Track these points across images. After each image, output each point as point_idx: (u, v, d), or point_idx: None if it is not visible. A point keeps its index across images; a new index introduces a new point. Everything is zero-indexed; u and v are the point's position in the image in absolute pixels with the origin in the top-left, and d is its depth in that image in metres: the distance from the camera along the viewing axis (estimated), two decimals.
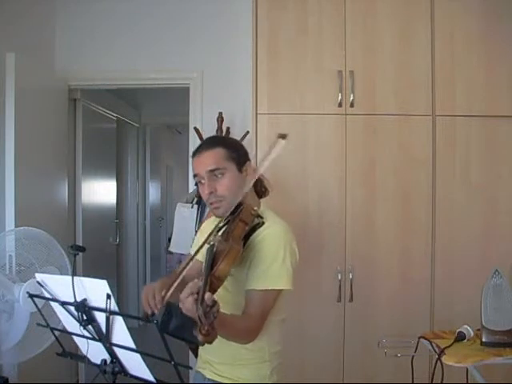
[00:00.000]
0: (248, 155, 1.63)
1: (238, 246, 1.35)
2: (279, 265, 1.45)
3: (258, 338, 1.47)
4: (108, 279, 1.26)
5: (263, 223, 1.48)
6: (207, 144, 1.61)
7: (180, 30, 3.27)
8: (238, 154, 1.57)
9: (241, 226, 1.41)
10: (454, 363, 1.80)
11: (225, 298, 1.47)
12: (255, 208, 1.49)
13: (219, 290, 1.41)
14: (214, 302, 1.13)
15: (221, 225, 1.48)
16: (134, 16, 3.31)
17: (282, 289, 1.46)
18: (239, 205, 1.48)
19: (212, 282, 1.23)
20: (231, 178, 1.52)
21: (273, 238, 1.48)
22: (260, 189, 1.65)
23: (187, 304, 1.18)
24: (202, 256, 1.49)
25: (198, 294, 1.17)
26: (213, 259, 1.30)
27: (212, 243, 1.38)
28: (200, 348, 1.64)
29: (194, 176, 1.58)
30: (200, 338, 1.09)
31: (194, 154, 1.59)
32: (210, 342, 1.11)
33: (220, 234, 1.42)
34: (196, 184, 2.89)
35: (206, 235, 1.52)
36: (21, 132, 2.66)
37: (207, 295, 1.13)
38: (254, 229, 1.47)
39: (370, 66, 2.64)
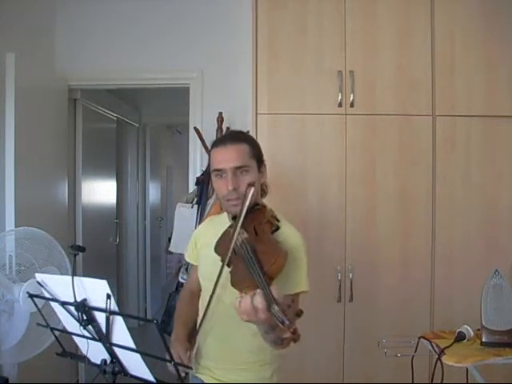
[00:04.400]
0: (263, 155, 1.60)
1: (275, 242, 1.34)
2: (304, 268, 1.48)
3: (259, 338, 1.47)
4: (108, 279, 1.26)
5: (279, 227, 1.48)
6: (232, 138, 1.55)
7: (180, 29, 3.27)
8: (259, 153, 1.56)
9: (269, 226, 1.41)
10: (454, 363, 1.80)
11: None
12: (273, 211, 1.50)
13: (228, 296, 1.39)
14: (293, 300, 1.11)
15: (230, 223, 1.46)
16: (134, 16, 3.31)
17: (307, 290, 1.49)
18: (255, 204, 1.48)
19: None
20: (254, 176, 1.49)
21: (298, 244, 1.48)
22: (262, 188, 1.65)
23: (262, 316, 1.10)
24: (211, 262, 1.45)
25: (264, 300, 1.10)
26: (257, 258, 1.24)
27: (242, 241, 1.31)
28: (198, 354, 1.60)
29: (215, 170, 1.51)
30: (288, 336, 1.04)
31: (217, 145, 1.54)
32: (296, 341, 1.06)
33: (243, 232, 1.36)
34: (196, 183, 2.92)
35: (210, 238, 1.50)
36: (21, 132, 2.66)
37: (275, 293, 1.08)
38: (272, 231, 1.46)
39: (370, 66, 2.64)
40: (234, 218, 1.45)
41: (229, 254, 1.33)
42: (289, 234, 1.49)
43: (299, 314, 1.08)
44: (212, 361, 1.57)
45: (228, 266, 1.35)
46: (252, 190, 1.39)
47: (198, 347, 1.58)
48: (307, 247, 1.54)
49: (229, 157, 1.48)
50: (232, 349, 1.48)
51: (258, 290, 1.12)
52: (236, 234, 1.34)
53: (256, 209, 1.46)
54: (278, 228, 1.48)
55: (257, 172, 1.52)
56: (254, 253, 1.26)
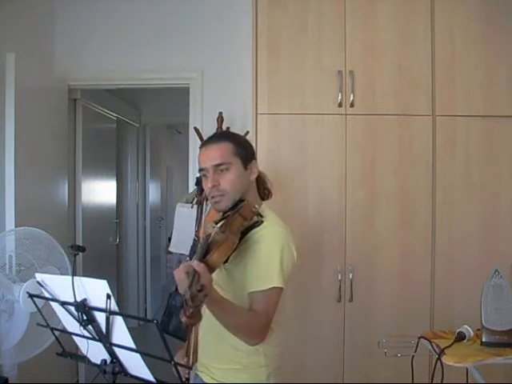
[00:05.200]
0: (255, 154, 1.62)
1: (235, 238, 1.35)
2: (276, 264, 1.44)
3: None
4: (108, 279, 1.26)
5: (262, 222, 1.48)
6: (215, 138, 1.60)
7: (180, 29, 3.27)
8: (245, 150, 1.56)
9: (239, 220, 1.41)
10: (454, 363, 1.80)
11: None
12: (256, 206, 1.49)
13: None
14: (203, 287, 1.13)
15: (219, 219, 1.48)
16: (134, 16, 3.31)
17: (282, 287, 1.45)
18: (240, 201, 1.49)
19: None
20: (236, 173, 1.51)
21: (270, 239, 1.47)
22: (263, 191, 1.65)
23: (182, 283, 1.22)
24: None
25: (188, 273, 1.20)
26: (207, 248, 1.31)
27: (209, 233, 1.38)
28: (199, 351, 1.63)
29: (200, 170, 1.56)
30: (184, 319, 1.10)
31: (201, 146, 1.59)
32: (193, 325, 1.12)
33: (218, 226, 1.41)
34: (196, 183, 2.92)
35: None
36: (21, 132, 2.66)
37: (200, 279, 1.15)
38: (252, 226, 1.46)
39: (370, 66, 2.64)
40: (223, 214, 1.49)
41: (199, 246, 1.38)
42: (267, 229, 1.48)
43: (201, 299, 1.13)
44: (209, 359, 1.57)
45: None
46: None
47: (199, 345, 1.59)
48: (290, 245, 1.50)
49: (209, 155, 1.52)
50: (227, 348, 1.49)
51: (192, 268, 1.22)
52: (203, 228, 1.42)
53: (240, 205, 1.47)
54: (259, 223, 1.47)
55: (241, 169, 1.53)
56: (206, 244, 1.32)
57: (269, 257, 1.45)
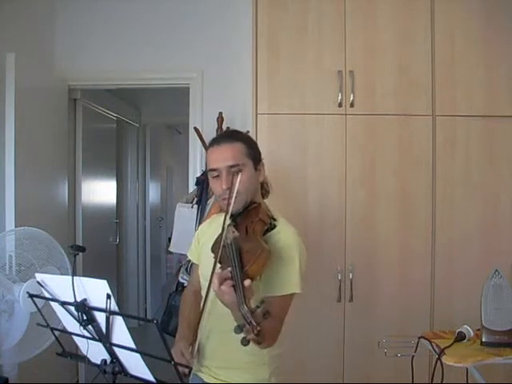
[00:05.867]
0: (261, 154, 1.60)
1: (267, 248, 1.31)
2: (296, 270, 1.44)
3: None
4: (108, 279, 1.26)
5: (275, 226, 1.47)
6: (228, 138, 1.55)
7: (180, 30, 3.27)
8: (255, 151, 1.55)
9: (261, 225, 1.40)
10: (454, 363, 1.80)
11: None
12: (270, 209, 1.49)
13: None
14: (262, 301, 1.11)
15: (228, 222, 1.44)
16: (134, 16, 3.31)
17: (299, 293, 1.45)
18: (251, 203, 1.48)
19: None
20: (248, 175, 1.49)
21: (289, 242, 1.47)
22: (263, 190, 1.64)
23: (227, 294, 1.17)
24: (210, 262, 1.43)
25: (233, 285, 1.15)
26: (240, 256, 1.25)
27: (231, 238, 1.31)
28: (198, 352, 1.61)
29: (210, 170, 1.51)
30: (252, 337, 1.06)
31: (212, 144, 1.54)
32: (260, 343, 1.08)
33: (233, 230, 1.36)
34: (196, 183, 2.92)
35: (209, 238, 1.50)
36: (21, 132, 2.66)
37: (248, 292, 1.11)
38: (267, 230, 1.46)
39: (370, 66, 2.64)
40: (232, 216, 1.46)
41: (219, 253, 1.33)
42: (283, 233, 1.48)
43: (266, 315, 1.10)
44: (211, 360, 1.57)
45: (220, 263, 1.36)
46: (239, 177, 1.40)
47: (199, 345, 1.59)
48: (304, 248, 1.51)
49: (223, 156, 1.48)
50: (229, 348, 1.48)
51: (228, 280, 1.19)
52: (225, 233, 1.34)
53: (252, 207, 1.46)
54: (273, 227, 1.47)
55: (253, 171, 1.52)
56: (237, 251, 1.26)
57: (289, 262, 1.44)
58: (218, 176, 1.49)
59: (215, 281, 1.22)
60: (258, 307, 1.09)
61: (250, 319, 1.07)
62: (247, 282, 1.14)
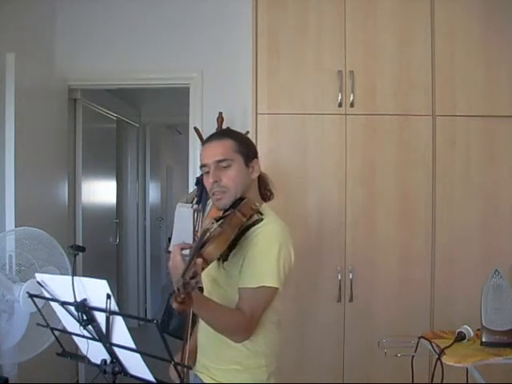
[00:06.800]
0: (257, 153, 1.61)
1: (230, 231, 1.35)
2: (272, 263, 1.43)
3: (253, 341, 1.47)
4: (108, 279, 1.26)
5: (262, 220, 1.47)
6: (218, 135, 1.61)
7: (180, 29, 3.27)
8: (246, 148, 1.56)
9: (238, 217, 1.40)
10: (454, 363, 1.80)
11: (217, 294, 1.49)
12: (256, 204, 1.49)
13: (211, 285, 1.47)
14: (195, 274, 1.13)
15: (219, 216, 1.47)
16: (134, 16, 3.31)
17: (275, 287, 1.43)
18: (241, 199, 1.48)
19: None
20: (237, 170, 1.51)
21: (268, 236, 1.46)
22: (264, 192, 1.64)
23: (175, 268, 1.30)
24: None
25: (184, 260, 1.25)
26: (204, 242, 1.31)
27: (207, 227, 1.38)
28: (198, 352, 1.63)
29: (201, 166, 1.56)
30: (175, 305, 1.09)
31: (205, 143, 1.59)
32: (184, 311, 1.11)
33: (218, 223, 1.40)
34: (196, 183, 2.92)
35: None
36: (21, 132, 2.66)
37: (194, 266, 1.17)
38: (252, 224, 1.46)
39: (370, 66, 2.64)
40: (224, 211, 1.49)
41: (197, 242, 1.37)
42: (266, 227, 1.47)
43: (193, 285, 1.12)
44: (209, 360, 1.57)
45: None
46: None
47: (199, 345, 1.59)
48: (289, 244, 1.49)
49: (212, 152, 1.52)
50: (227, 349, 1.48)
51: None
52: (201, 223, 1.43)
53: (241, 203, 1.47)
54: (258, 221, 1.47)
55: (243, 166, 1.53)
56: (203, 236, 1.34)
57: (265, 254, 1.44)
58: (208, 172, 1.52)
59: (173, 253, 1.34)
60: (192, 278, 1.12)
61: (179, 287, 1.10)
62: (199, 261, 1.20)
